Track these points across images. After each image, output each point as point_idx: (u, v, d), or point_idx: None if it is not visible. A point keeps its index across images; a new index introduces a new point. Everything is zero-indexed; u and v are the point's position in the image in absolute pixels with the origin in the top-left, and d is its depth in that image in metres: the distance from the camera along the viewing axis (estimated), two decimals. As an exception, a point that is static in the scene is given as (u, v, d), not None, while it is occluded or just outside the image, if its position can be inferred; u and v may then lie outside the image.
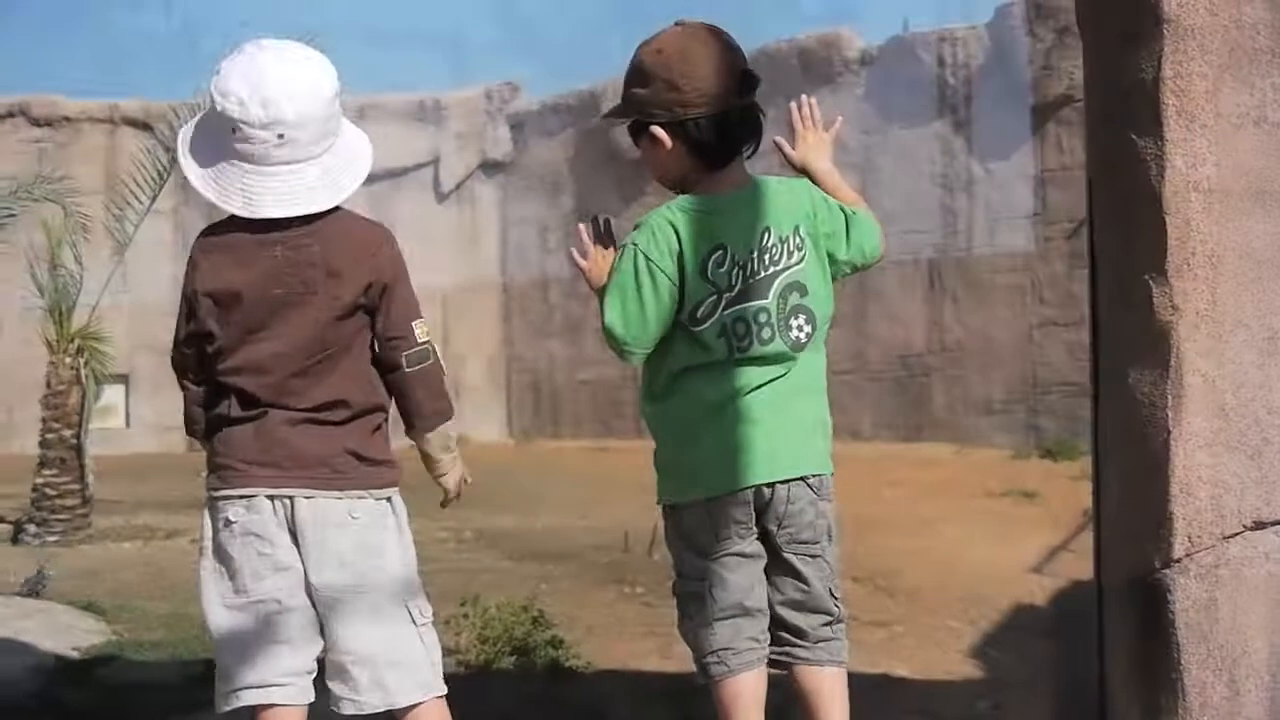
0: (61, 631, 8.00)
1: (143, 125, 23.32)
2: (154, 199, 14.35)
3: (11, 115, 24.22)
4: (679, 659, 7.81)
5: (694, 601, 3.25)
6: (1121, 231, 3.45)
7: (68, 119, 24.35)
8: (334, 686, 3.24)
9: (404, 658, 3.24)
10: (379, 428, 3.28)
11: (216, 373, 3.17)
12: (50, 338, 13.48)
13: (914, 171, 19.08)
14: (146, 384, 24.26)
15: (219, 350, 3.15)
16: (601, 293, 3.35)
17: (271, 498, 3.15)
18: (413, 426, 3.34)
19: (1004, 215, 19.33)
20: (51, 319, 13.53)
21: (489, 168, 24.63)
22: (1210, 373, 3.29)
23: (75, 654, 7.51)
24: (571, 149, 23.88)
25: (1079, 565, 9.85)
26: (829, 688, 3.31)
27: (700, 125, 3.20)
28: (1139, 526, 3.39)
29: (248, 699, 3.17)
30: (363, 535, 3.20)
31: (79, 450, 13.19)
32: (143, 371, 24.09)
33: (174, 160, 14.77)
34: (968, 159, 19.56)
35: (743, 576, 3.21)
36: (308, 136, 3.13)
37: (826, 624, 3.32)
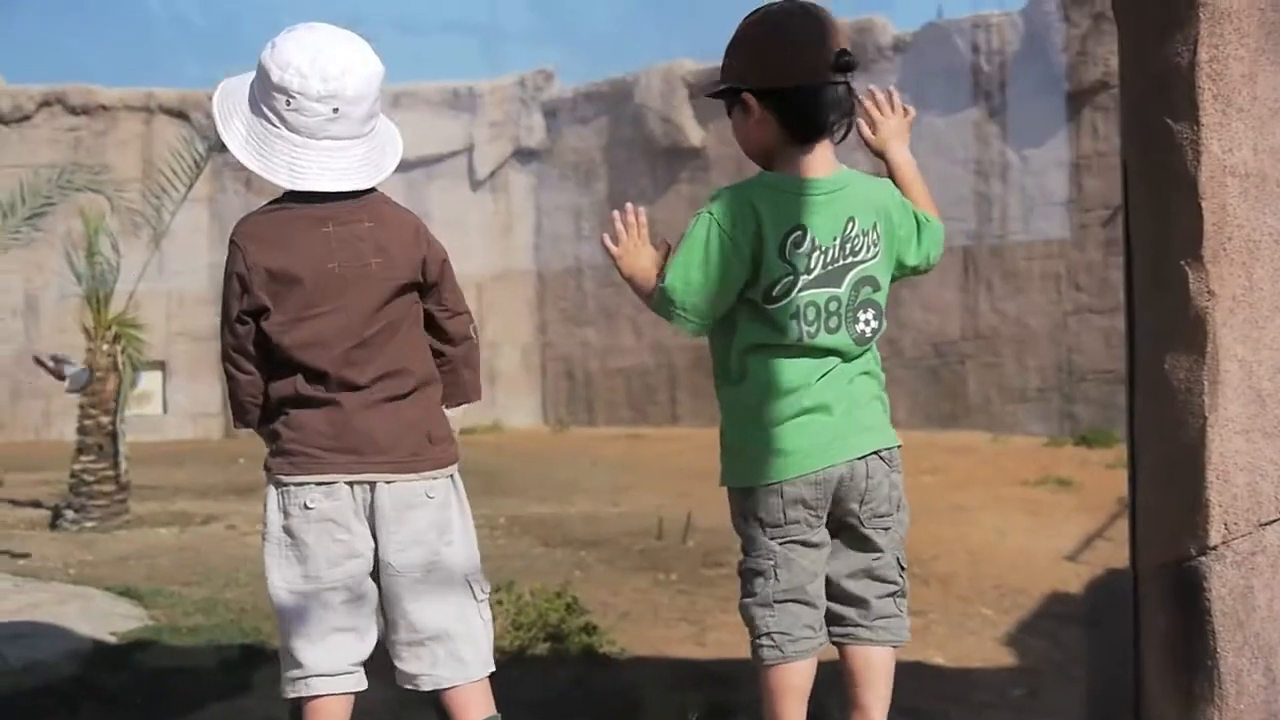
0: (99, 616, 8.06)
1: (179, 114, 23.44)
2: (190, 187, 14.41)
3: (48, 104, 24.31)
4: (713, 646, 7.83)
5: (757, 578, 3.25)
6: (1157, 217, 3.44)
7: (104, 107, 24.43)
8: (408, 666, 3.27)
9: (472, 632, 3.30)
10: (438, 403, 3.32)
11: (278, 351, 3.17)
12: (87, 325, 13.54)
13: (948, 158, 19.00)
14: (183, 370, 24.38)
15: (278, 328, 3.16)
16: (633, 280, 3.37)
17: (351, 484, 3.17)
18: (454, 400, 3.38)
19: (1039, 202, 19.25)
20: (89, 306, 13.60)
21: (523, 155, 24.64)
22: (1247, 358, 3.28)
23: (113, 639, 7.57)
24: (605, 137, 23.86)
25: (1114, 553, 9.82)
26: (877, 667, 3.31)
27: (788, 97, 3.18)
28: (1175, 513, 3.38)
29: (319, 687, 3.19)
30: (436, 514, 3.25)
31: (115, 436, 13.26)
32: (179, 358, 24.21)
33: (211, 149, 14.91)
34: (1002, 146, 19.48)
35: (809, 562, 3.22)
36: (359, 114, 3.18)
37: (890, 595, 3.31)
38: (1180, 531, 3.35)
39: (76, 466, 13.14)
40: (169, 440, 22.40)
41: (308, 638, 3.19)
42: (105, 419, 13.24)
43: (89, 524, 12.77)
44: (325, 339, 3.16)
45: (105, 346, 13.39)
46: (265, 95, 3.17)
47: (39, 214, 15.67)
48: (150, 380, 22.64)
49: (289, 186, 3.17)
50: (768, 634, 3.23)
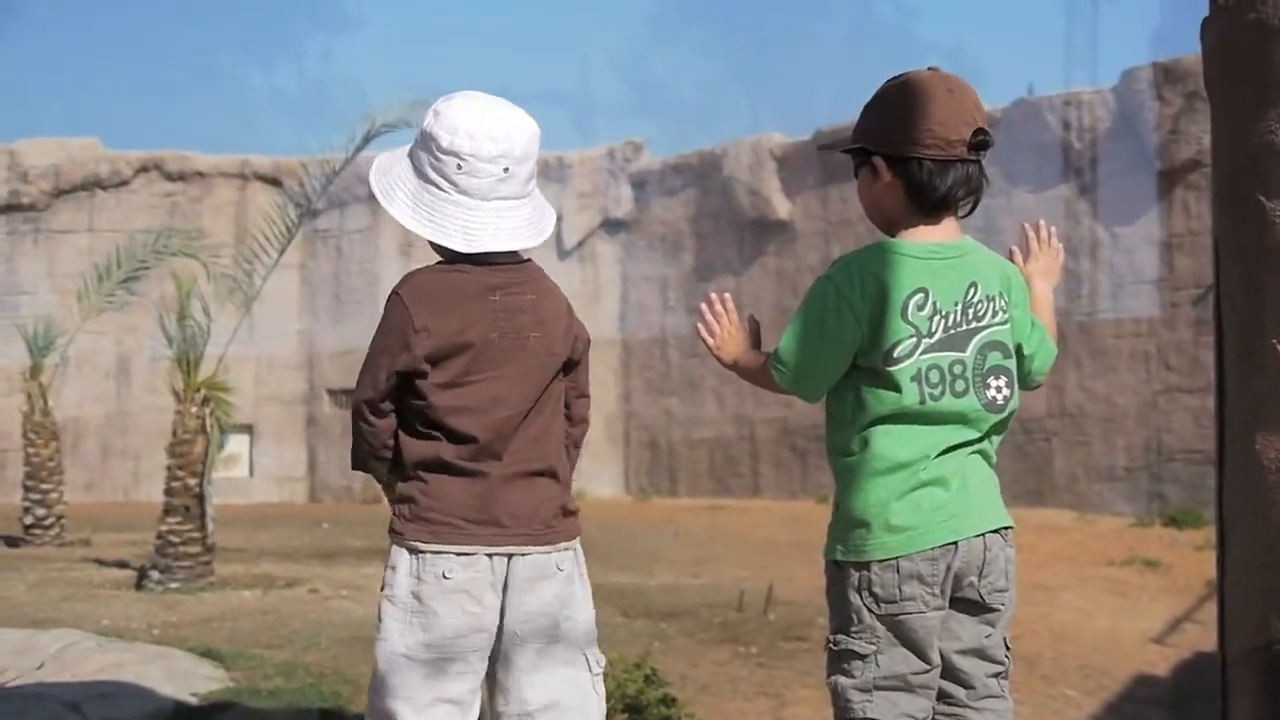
0: (181, 677, 8.10)
1: (273, 180, 23.81)
2: (282, 253, 14.59)
3: (145, 170, 24.78)
4: (792, 721, 7.76)
5: (855, 660, 3.17)
6: (1249, 295, 3.40)
7: (200, 174, 24.87)
8: None
9: (583, 706, 3.28)
10: (569, 477, 3.34)
11: (428, 412, 3.18)
12: (177, 387, 13.70)
13: (1037, 234, 18.92)
14: (270, 434, 24.62)
15: (433, 390, 3.17)
16: (738, 364, 3.37)
17: (490, 556, 3.18)
18: None
19: (1129, 280, 19.12)
20: (179, 368, 13.76)
21: (611, 226, 24.79)
22: (1340, 440, 3.22)
23: (194, 699, 7.60)
24: (692, 208, 23.96)
25: (1202, 636, 9.67)
26: None
27: (922, 167, 3.16)
28: (1265, 596, 3.32)
29: None
30: (563, 586, 3.25)
31: (202, 498, 13.38)
32: (267, 422, 24.46)
33: (302, 215, 15.09)
34: (1092, 223, 19.38)
35: (914, 646, 3.15)
36: (524, 173, 3.25)
37: (996, 675, 3.25)
38: (1270, 615, 3.29)
39: (163, 527, 13.27)
40: (254, 503, 22.61)
41: (413, 704, 3.16)
42: (193, 481, 13.37)
43: (174, 585, 12.88)
44: (479, 407, 3.17)
45: (194, 409, 13.54)
46: (434, 161, 3.21)
47: (133, 278, 15.95)
48: (237, 443, 22.89)
49: (464, 250, 3.19)
50: (864, 719, 3.16)
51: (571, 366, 3.34)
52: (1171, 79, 18.42)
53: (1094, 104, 19.57)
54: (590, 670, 3.30)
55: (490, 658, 3.23)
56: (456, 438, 3.17)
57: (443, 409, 3.17)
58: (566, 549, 3.27)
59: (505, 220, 3.21)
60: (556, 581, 3.24)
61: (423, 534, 3.17)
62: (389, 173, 3.28)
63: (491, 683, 3.26)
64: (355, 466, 3.37)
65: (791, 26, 56.26)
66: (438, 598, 3.16)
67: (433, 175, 3.21)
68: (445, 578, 3.15)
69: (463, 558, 3.16)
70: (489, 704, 3.27)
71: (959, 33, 59.93)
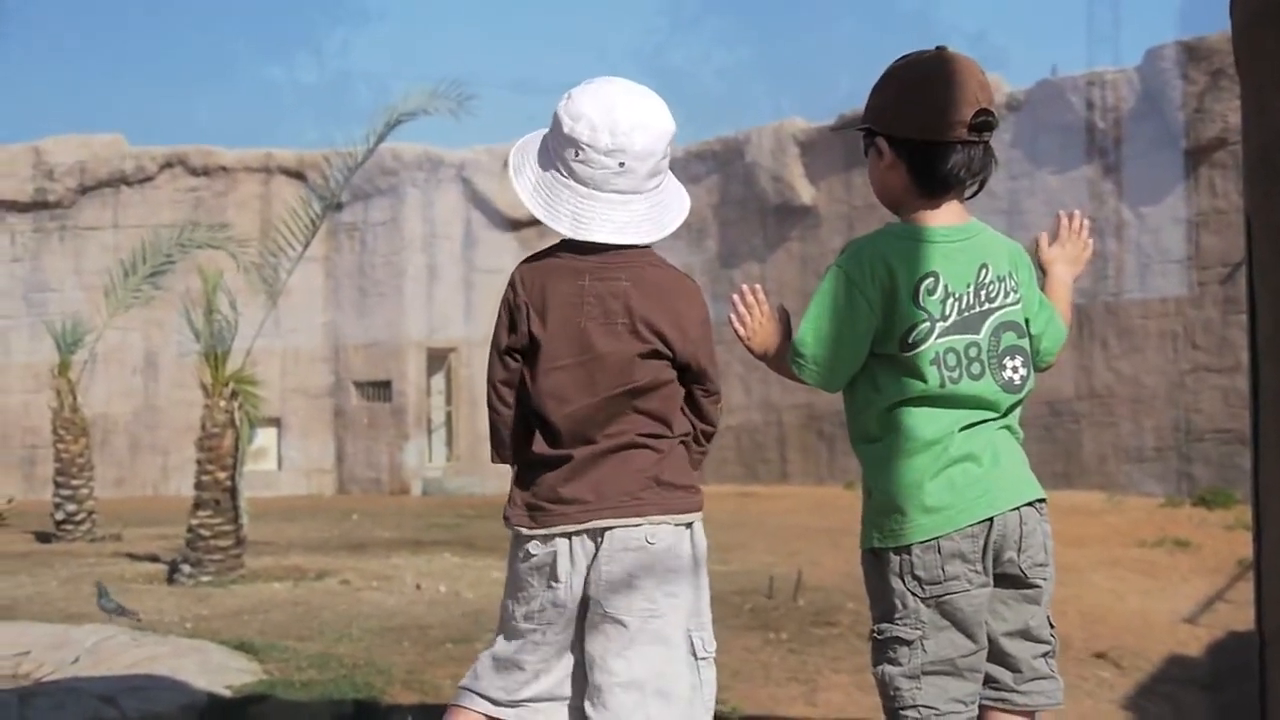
0: (214, 670, 8.14)
1: (296, 174, 23.85)
2: (306, 246, 14.62)
3: (170, 165, 24.85)
4: (824, 705, 7.76)
5: (902, 647, 3.16)
6: None
7: (224, 168, 24.93)
8: (595, 713, 3.22)
9: (672, 689, 3.22)
10: (680, 454, 3.30)
11: (528, 402, 3.20)
12: (205, 381, 13.75)
13: (1062, 216, 18.86)
14: (297, 427, 24.67)
15: (529, 376, 3.20)
16: (768, 355, 3.37)
17: (570, 534, 3.18)
18: None
19: (1155, 259, 19.05)
20: (207, 363, 13.80)
21: (634, 213, 24.76)
22: (1372, 417, 3.21)
23: (228, 692, 7.64)
24: (716, 194, 23.94)
25: (1235, 615, 9.64)
26: None
27: (925, 148, 3.16)
28: (1299, 575, 3.31)
29: (487, 709, 3.23)
30: (658, 560, 3.21)
31: (233, 492, 13.43)
32: (294, 415, 24.52)
33: (326, 208, 15.11)
34: (1118, 203, 19.30)
35: (962, 625, 3.13)
36: (644, 170, 3.21)
37: (1043, 655, 3.24)
38: (1305, 593, 3.28)
39: (194, 521, 13.32)
40: (283, 496, 22.67)
41: (504, 671, 3.23)
42: (222, 475, 13.42)
43: (205, 578, 12.93)
44: (563, 394, 3.17)
45: (222, 403, 13.57)
46: (556, 145, 3.22)
47: (159, 272, 16.00)
48: (265, 436, 22.95)
49: (571, 235, 3.19)
50: (914, 706, 3.13)
51: (687, 372, 3.28)
52: (1196, 57, 18.32)
53: (1118, 84, 19.48)
54: (694, 654, 3.25)
55: (586, 629, 3.22)
56: (545, 426, 3.19)
57: (534, 395, 3.18)
58: (663, 522, 3.21)
59: (617, 213, 3.19)
60: (646, 554, 3.19)
61: (524, 520, 3.21)
62: (525, 149, 3.30)
63: (586, 653, 3.24)
64: (495, 457, 3.37)
65: (813, 11, 56.20)
66: (528, 574, 3.21)
67: (554, 159, 3.22)
68: (530, 554, 3.20)
69: (544, 536, 3.19)
70: (588, 674, 3.24)
71: (982, 15, 59.76)
